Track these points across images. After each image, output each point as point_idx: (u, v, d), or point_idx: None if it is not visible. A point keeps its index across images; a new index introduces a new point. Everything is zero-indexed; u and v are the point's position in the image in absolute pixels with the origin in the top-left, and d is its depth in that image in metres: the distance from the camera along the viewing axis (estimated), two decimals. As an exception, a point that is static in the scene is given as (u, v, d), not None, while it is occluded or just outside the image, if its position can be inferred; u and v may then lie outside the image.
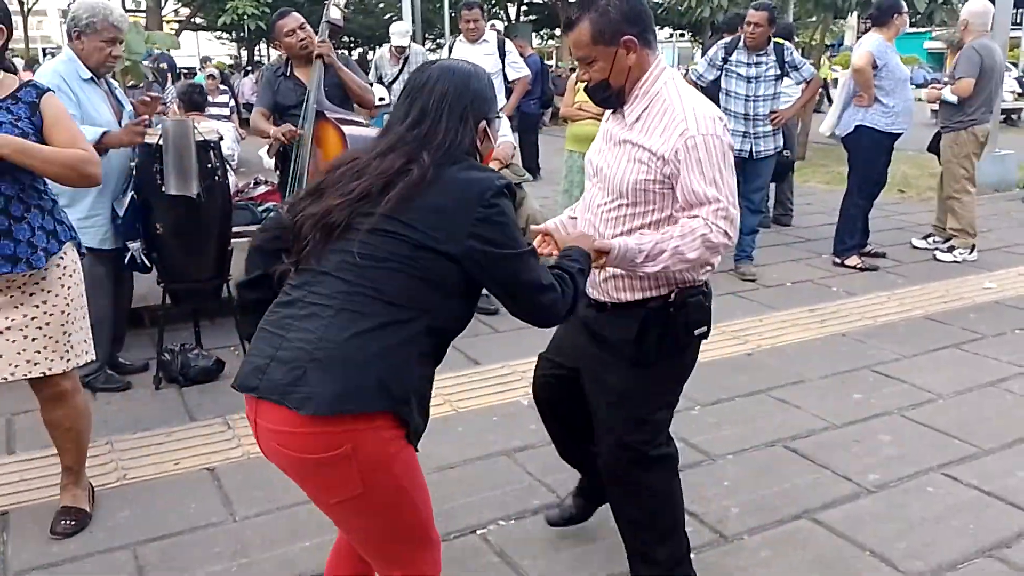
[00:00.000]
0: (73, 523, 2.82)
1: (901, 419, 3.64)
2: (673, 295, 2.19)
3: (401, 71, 7.38)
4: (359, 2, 26.48)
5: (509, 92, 6.87)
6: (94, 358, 2.94)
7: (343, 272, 1.68)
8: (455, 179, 1.71)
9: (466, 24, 6.71)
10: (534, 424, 3.40)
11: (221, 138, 4.30)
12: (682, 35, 30.88)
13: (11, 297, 2.63)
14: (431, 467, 3.20)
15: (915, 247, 6.70)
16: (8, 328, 2.62)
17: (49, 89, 2.73)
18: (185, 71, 18.78)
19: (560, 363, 2.53)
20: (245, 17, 18.68)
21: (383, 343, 1.64)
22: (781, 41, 5.74)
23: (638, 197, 2.13)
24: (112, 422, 3.59)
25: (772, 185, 6.82)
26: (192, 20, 26.41)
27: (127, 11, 23.96)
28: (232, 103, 12.96)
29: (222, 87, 13.14)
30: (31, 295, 2.65)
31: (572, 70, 17.34)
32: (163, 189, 3.71)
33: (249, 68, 20.45)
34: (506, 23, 25.08)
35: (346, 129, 4.31)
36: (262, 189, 5.62)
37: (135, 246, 3.87)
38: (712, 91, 5.83)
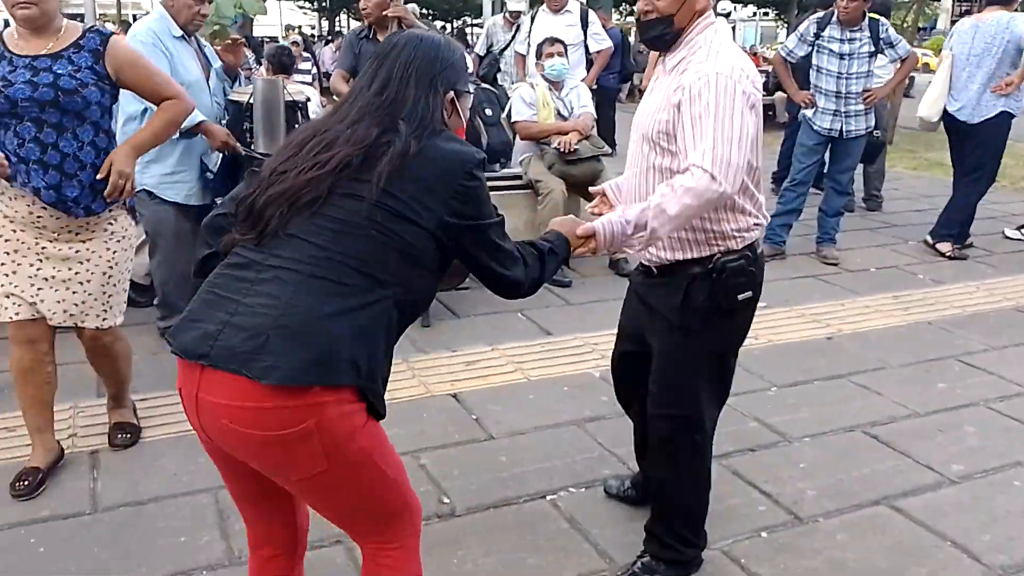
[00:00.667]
0: (128, 436, 3.11)
1: (987, 411, 3.50)
2: (714, 259, 2.13)
3: (513, 39, 7.10)
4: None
5: (590, 64, 6.78)
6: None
7: (315, 237, 1.58)
8: (438, 151, 1.65)
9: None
10: (605, 396, 3.40)
11: (308, 99, 4.36)
12: (766, 13, 30.03)
13: (62, 248, 2.74)
14: (503, 432, 3.23)
15: (1007, 237, 6.42)
16: (53, 277, 2.75)
17: (113, 33, 2.83)
18: (268, 39, 19.10)
19: (625, 332, 2.53)
20: (329, -14, 18.85)
21: (356, 314, 1.56)
22: (876, 17, 5.51)
23: (661, 141, 2.07)
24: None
25: (860, 167, 6.60)
26: (277, -11, 26.83)
27: (214, -22, 24.57)
28: (314, 70, 13.13)
29: (305, 54, 13.31)
30: (77, 251, 2.77)
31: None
32: (251, 147, 3.78)
33: (329, 38, 20.69)
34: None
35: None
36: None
37: (222, 203, 3.96)
38: (802, 67, 5.66)
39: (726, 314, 2.19)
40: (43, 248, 2.73)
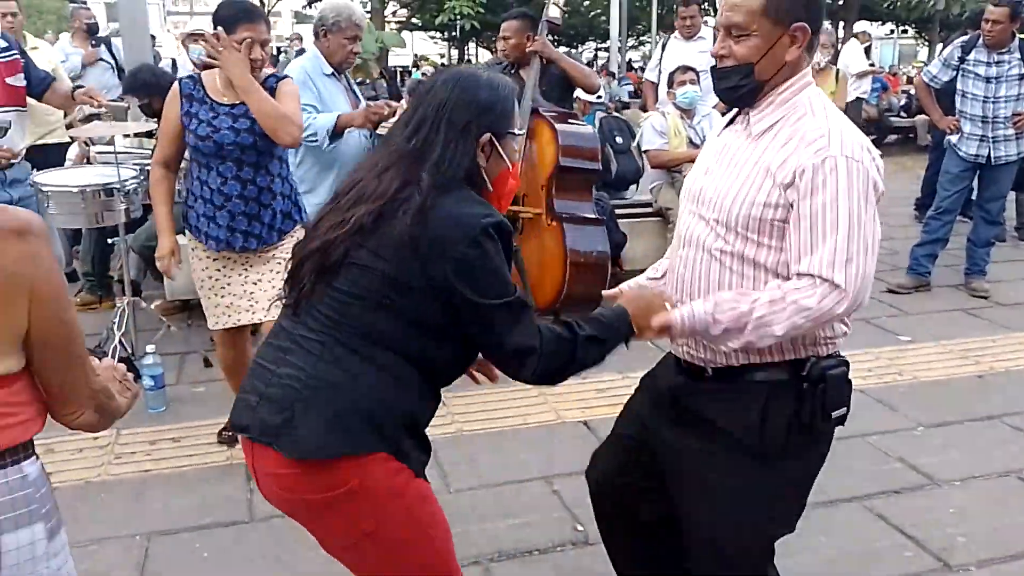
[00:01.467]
0: None
1: None
2: (809, 365, 1.70)
3: None
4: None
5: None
6: None
7: (334, 304, 1.56)
8: (446, 213, 1.53)
9: (682, 21, 6.61)
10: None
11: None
12: (904, 31, 28.80)
13: (257, 259, 3.10)
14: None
15: None
16: (260, 280, 3.09)
17: (288, 76, 3.17)
18: (400, 68, 19.86)
19: (634, 446, 1.98)
20: (460, 17, 19.44)
21: (372, 381, 1.54)
22: (1026, 37, 5.24)
23: (751, 230, 1.65)
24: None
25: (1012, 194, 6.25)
26: (409, 21, 27.83)
27: (353, 12, 25.71)
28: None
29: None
30: (272, 257, 3.09)
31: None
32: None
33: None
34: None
35: (558, 126, 4.42)
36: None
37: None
38: (948, 91, 5.43)
39: (814, 437, 1.76)
40: (247, 258, 3.09)
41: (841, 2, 26.42)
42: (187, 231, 3.15)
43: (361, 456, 1.53)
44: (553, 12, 4.59)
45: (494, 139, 1.62)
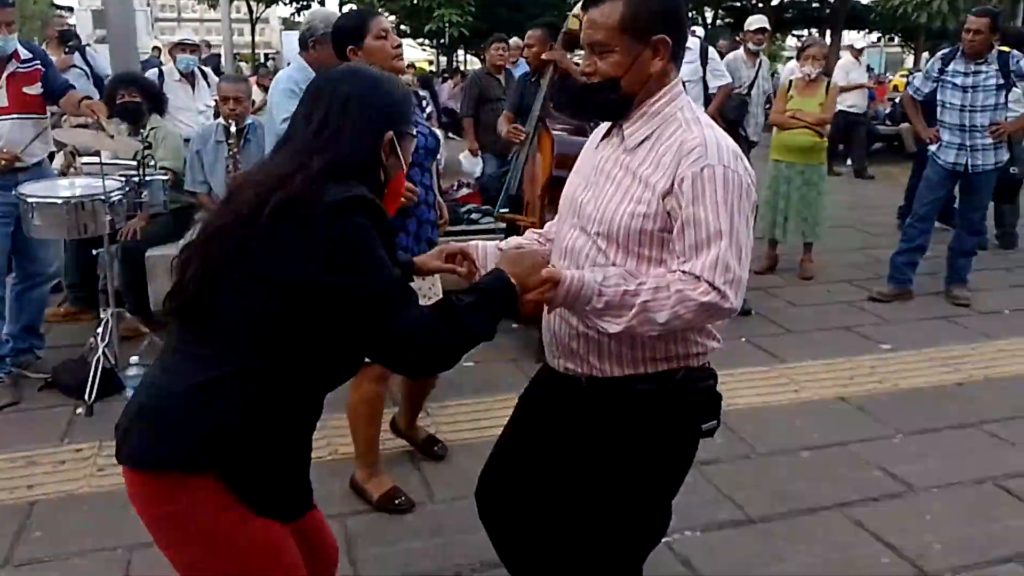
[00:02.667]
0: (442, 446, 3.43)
1: None
2: (679, 376, 1.74)
3: (757, 75, 6.69)
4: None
5: (709, 100, 6.78)
6: None
7: (188, 311, 1.48)
8: (316, 199, 1.42)
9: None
10: (721, 438, 3.39)
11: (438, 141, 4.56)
12: (891, 39, 29.05)
13: None
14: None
15: None
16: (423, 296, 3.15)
17: None
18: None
19: (520, 448, 2.02)
20: (449, 25, 19.50)
21: (214, 392, 1.41)
22: (1007, 49, 5.32)
23: (631, 242, 1.68)
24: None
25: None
26: (398, 28, 27.89)
27: (341, 19, 25.64)
28: (431, 108, 13.57)
29: (423, 92, 13.79)
30: None
31: (773, 74, 16.76)
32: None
33: (447, 74, 21.37)
34: (704, 28, 24.65)
35: (556, 135, 4.46)
36: (464, 191, 5.93)
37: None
38: (932, 105, 5.52)
39: (681, 446, 1.81)
40: None
41: (828, 11, 26.67)
42: None
43: (188, 476, 1.42)
44: (572, 24, 4.66)
45: (395, 138, 1.58)
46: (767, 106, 6.78)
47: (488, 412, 3.75)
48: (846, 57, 11.06)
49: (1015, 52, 5.32)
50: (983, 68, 5.16)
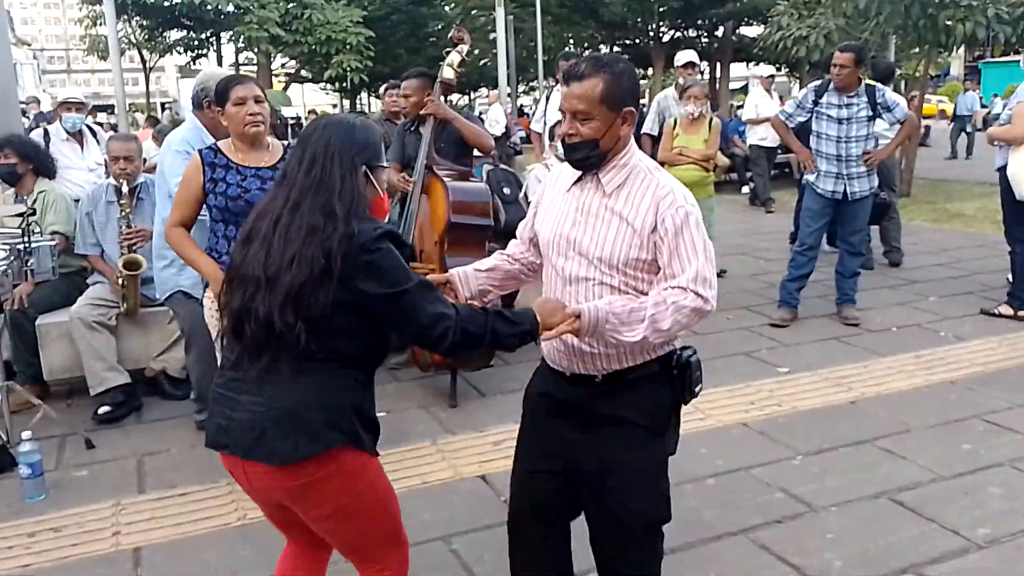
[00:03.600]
0: None
1: (1013, 471, 3.52)
2: (675, 357, 2.19)
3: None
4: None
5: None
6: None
7: (278, 335, 1.88)
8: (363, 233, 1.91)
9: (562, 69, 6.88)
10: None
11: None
12: (779, 69, 30.56)
13: None
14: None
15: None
16: None
17: None
18: (292, 119, 19.76)
19: (550, 469, 2.31)
20: (349, 71, 19.54)
21: (321, 393, 1.92)
22: (872, 83, 5.69)
23: (628, 267, 2.11)
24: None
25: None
26: (299, 73, 27.76)
27: (239, 66, 25.20)
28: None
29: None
30: None
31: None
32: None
33: (351, 117, 21.47)
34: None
35: (449, 183, 4.53)
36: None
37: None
38: (803, 131, 5.81)
39: (679, 411, 2.27)
40: None
41: (716, 46, 27.82)
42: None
43: (327, 453, 1.91)
44: (448, 74, 4.74)
45: (368, 171, 2.00)
46: None
47: (401, 463, 3.73)
48: (757, 90, 11.19)
49: (879, 86, 5.70)
50: (854, 100, 5.47)
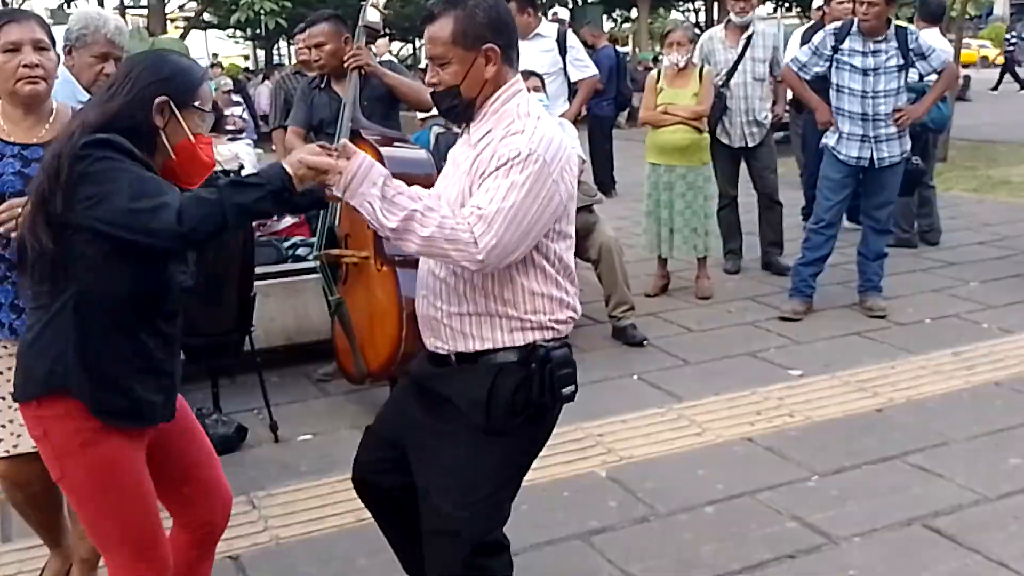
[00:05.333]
0: None
1: (1071, 490, 3.59)
2: (536, 347, 2.26)
3: (741, 56, 6.53)
4: (395, -10, 27.07)
5: (574, 94, 6.93)
6: None
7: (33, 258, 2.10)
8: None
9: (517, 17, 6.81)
10: (614, 501, 3.49)
11: (242, 166, 4.51)
12: (788, 9, 30.61)
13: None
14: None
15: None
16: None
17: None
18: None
19: (386, 439, 2.56)
20: (262, 14, 19.27)
21: (47, 328, 2.08)
22: (904, 24, 5.66)
23: None
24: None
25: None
26: (200, 17, 27.35)
27: (125, 8, 24.75)
28: (247, 116, 13.41)
29: (236, 98, 13.61)
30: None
31: (655, 59, 17.35)
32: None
33: (266, 72, 21.11)
34: (572, 6, 25.37)
35: (383, 150, 4.47)
36: (288, 221, 5.82)
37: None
38: (819, 87, 5.78)
39: (539, 414, 2.32)
40: None
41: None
42: None
43: (50, 398, 2.07)
44: (372, 16, 4.58)
45: (172, 104, 2.14)
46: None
47: (331, 497, 3.70)
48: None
49: (911, 27, 5.68)
50: (882, 47, 5.41)
